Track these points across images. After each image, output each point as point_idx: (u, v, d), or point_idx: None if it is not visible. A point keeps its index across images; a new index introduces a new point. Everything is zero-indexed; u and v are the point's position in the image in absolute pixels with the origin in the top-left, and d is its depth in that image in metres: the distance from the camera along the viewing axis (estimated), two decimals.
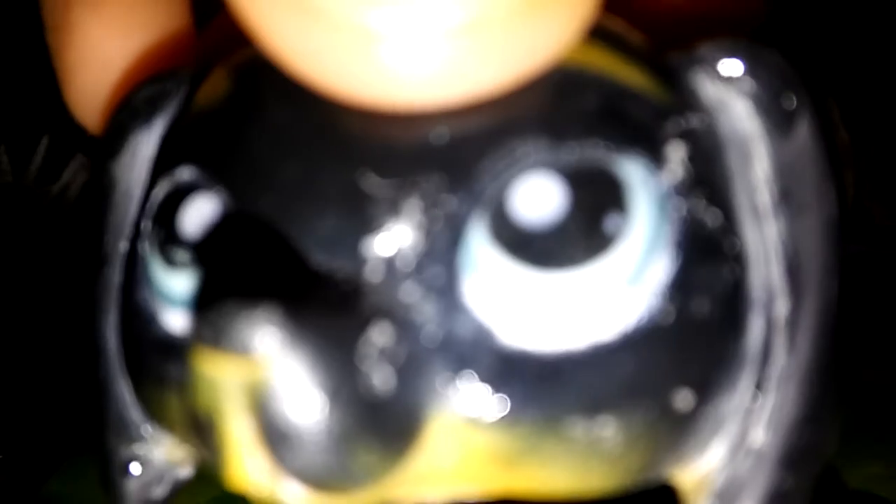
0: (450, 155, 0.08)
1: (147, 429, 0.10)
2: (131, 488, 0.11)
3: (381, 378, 0.07)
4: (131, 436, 0.10)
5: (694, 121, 0.08)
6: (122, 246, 0.10)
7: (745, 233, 0.08)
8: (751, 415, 0.09)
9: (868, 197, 0.84)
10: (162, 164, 0.10)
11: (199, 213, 0.09)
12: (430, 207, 0.08)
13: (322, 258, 0.08)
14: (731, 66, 0.09)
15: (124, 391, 0.10)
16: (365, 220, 0.08)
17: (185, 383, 0.08)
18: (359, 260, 0.08)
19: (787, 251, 0.08)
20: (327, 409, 0.07)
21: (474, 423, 0.08)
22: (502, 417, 0.08)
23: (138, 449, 0.10)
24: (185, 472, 0.11)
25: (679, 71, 0.09)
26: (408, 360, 0.07)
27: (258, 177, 0.09)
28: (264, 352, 0.07)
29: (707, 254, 0.08)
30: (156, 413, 0.10)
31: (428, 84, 0.07)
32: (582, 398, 0.08)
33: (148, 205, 0.10)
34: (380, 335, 0.07)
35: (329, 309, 0.07)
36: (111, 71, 0.13)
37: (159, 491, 0.11)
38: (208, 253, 0.08)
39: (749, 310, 0.08)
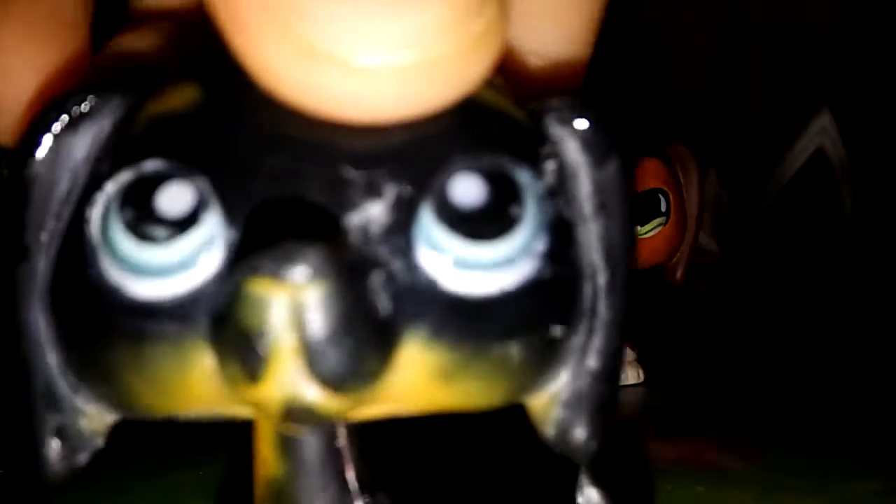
0: (407, 155, 0.11)
1: (74, 399, 0.12)
2: (58, 454, 0.12)
3: (381, 304, 0.10)
4: (60, 407, 0.12)
5: (556, 148, 0.12)
6: (44, 237, 0.12)
7: (581, 229, 0.12)
8: (586, 349, 0.12)
9: (866, 211, 0.84)
10: (117, 160, 0.11)
11: (175, 197, 0.11)
12: (392, 193, 0.11)
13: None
14: (568, 116, 0.12)
15: (51, 365, 0.12)
16: (345, 199, 0.10)
17: (174, 337, 0.10)
18: (343, 230, 0.10)
19: (603, 242, 0.12)
20: (351, 322, 0.10)
21: (427, 345, 0.11)
22: (447, 341, 0.11)
23: (64, 418, 0.12)
24: (101, 440, 0.12)
25: (539, 114, 0.12)
26: (391, 297, 0.10)
27: (243, 167, 0.11)
28: (308, 280, 0.09)
29: (566, 237, 0.12)
30: (126, 367, 0.11)
31: (388, 105, 0.10)
32: (498, 329, 0.11)
33: (97, 195, 0.11)
34: (377, 274, 0.10)
35: (349, 250, 0.10)
36: (11, 83, 0.14)
37: (83, 457, 0.12)
38: (246, 218, 0.10)
39: (584, 279, 0.12)
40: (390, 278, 0.10)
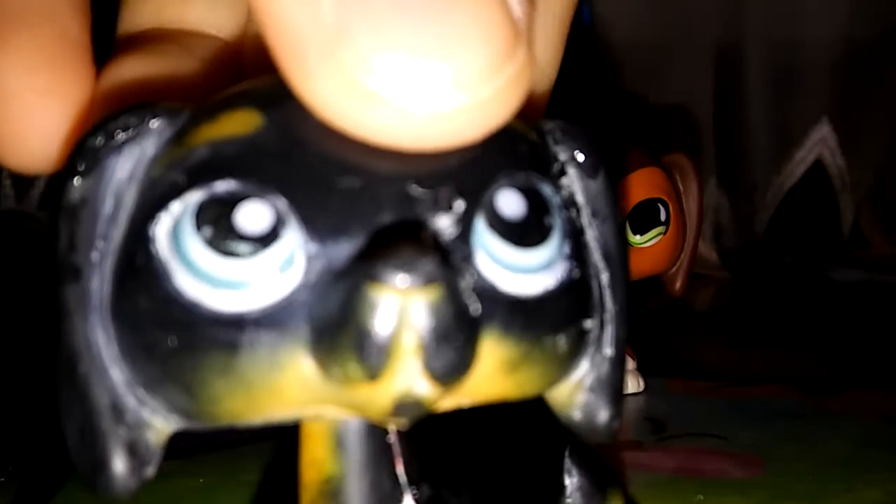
0: (461, 174, 0.12)
1: (142, 411, 0.12)
2: (128, 469, 0.12)
3: (473, 304, 0.11)
4: (125, 420, 0.12)
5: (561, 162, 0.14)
6: (94, 256, 0.12)
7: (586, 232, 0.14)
8: (601, 339, 0.14)
9: (867, 225, 0.84)
10: (180, 181, 0.12)
11: (254, 215, 0.11)
12: (455, 207, 0.12)
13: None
14: (560, 136, 0.14)
15: (116, 381, 0.12)
16: (417, 214, 0.11)
17: (262, 347, 0.11)
18: (440, 240, 0.11)
19: (601, 244, 0.14)
20: (458, 324, 0.11)
21: (499, 340, 0.12)
22: (513, 338, 0.12)
23: (133, 433, 0.12)
24: (162, 452, 0.12)
25: (543, 136, 0.14)
26: (473, 290, 0.11)
27: (316, 186, 0.11)
28: (424, 285, 0.10)
29: (580, 242, 0.13)
30: (217, 375, 0.11)
31: (431, 140, 0.11)
32: (548, 323, 0.12)
33: (161, 214, 0.12)
34: (466, 280, 0.11)
35: (447, 257, 0.11)
36: (20, 106, 0.14)
37: (150, 470, 0.12)
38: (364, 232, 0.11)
39: (593, 277, 0.14)
40: (469, 283, 0.11)
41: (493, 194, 0.12)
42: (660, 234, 0.38)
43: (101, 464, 0.12)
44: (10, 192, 0.84)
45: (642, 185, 0.37)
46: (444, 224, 0.11)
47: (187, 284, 0.11)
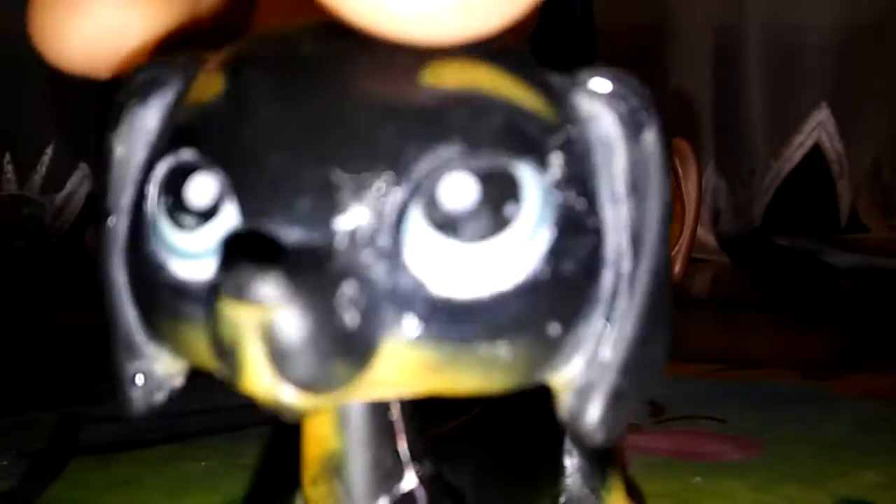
0: (396, 156, 0.11)
1: (149, 347, 0.13)
2: (137, 394, 0.13)
3: (350, 317, 0.10)
4: (136, 353, 0.13)
5: (572, 132, 0.12)
6: (124, 201, 0.13)
7: (605, 212, 0.12)
8: (601, 338, 0.12)
9: (865, 209, 0.84)
10: (165, 143, 0.12)
11: (201, 188, 0.11)
12: (381, 196, 0.11)
13: (301, 233, 0.11)
14: (603, 87, 0.12)
15: (130, 318, 0.13)
16: (334, 203, 0.11)
17: (199, 319, 0.11)
18: (330, 234, 0.11)
19: (633, 225, 0.12)
20: (314, 339, 0.10)
21: (411, 345, 0.11)
22: (430, 342, 0.11)
23: (142, 364, 0.13)
24: (179, 381, 0.13)
25: (562, 89, 0.12)
26: (367, 305, 0.11)
27: (249, 164, 0.11)
28: (271, 300, 0.10)
29: (575, 230, 0.11)
30: (168, 338, 0.12)
31: (424, 23, 0.11)
32: (485, 329, 0.11)
33: (152, 174, 0.12)
34: (348, 288, 0.10)
35: (313, 270, 0.10)
36: (117, 39, 0.14)
37: (160, 396, 0.13)
38: (223, 231, 0.11)
39: (602, 266, 0.12)
40: (367, 285, 0.11)
41: (437, 180, 0.11)
42: None
43: (119, 386, 0.13)
44: (11, 176, 0.84)
45: None
46: (363, 216, 0.11)
47: (157, 248, 0.12)
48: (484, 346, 0.11)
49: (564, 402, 0.12)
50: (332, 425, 0.14)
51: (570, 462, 0.20)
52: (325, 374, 0.10)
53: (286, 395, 0.11)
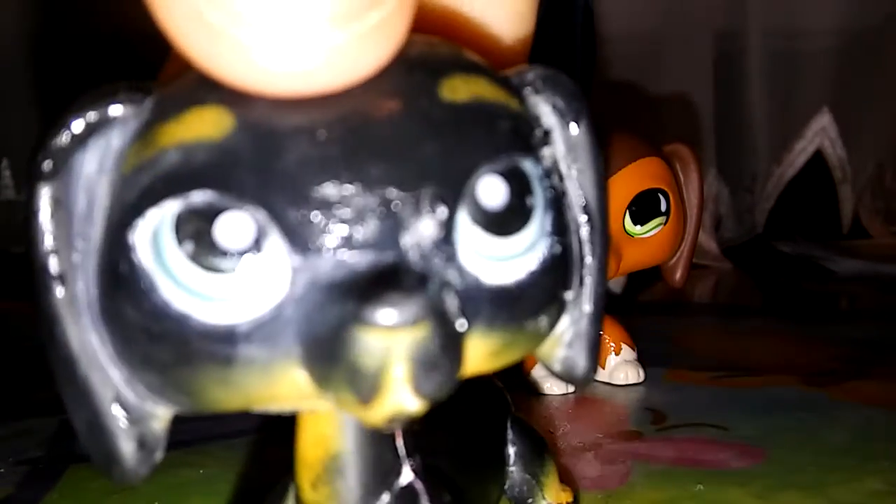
0: (441, 169, 0.12)
1: (145, 405, 0.12)
2: (135, 461, 0.13)
3: (459, 324, 0.11)
4: (131, 416, 0.12)
5: (543, 126, 0.13)
6: (76, 258, 0.12)
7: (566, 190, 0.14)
8: (580, 296, 0.14)
9: (867, 215, 0.83)
10: (152, 188, 0.11)
11: (236, 229, 0.11)
12: (436, 207, 0.11)
13: (373, 256, 0.11)
14: (540, 85, 0.13)
15: (116, 381, 0.12)
16: (398, 222, 0.11)
17: (260, 360, 0.11)
18: (401, 251, 0.11)
19: (581, 197, 0.14)
20: (448, 351, 0.11)
21: (484, 336, 0.12)
22: (497, 328, 0.12)
23: (135, 427, 0.12)
24: (166, 435, 0.13)
25: (518, 87, 0.13)
26: (458, 307, 0.11)
27: (296, 197, 0.11)
28: (411, 326, 0.11)
29: (564, 208, 0.13)
30: (201, 386, 0.12)
31: (284, 81, 0.11)
32: (530, 308, 0.12)
33: (137, 222, 0.11)
34: (450, 298, 0.11)
35: (426, 288, 0.11)
36: None
37: (159, 455, 0.13)
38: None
39: (573, 234, 0.13)
40: (454, 291, 0.12)
41: (475, 185, 0.12)
42: (660, 224, 0.37)
43: (112, 457, 0.12)
44: (9, 182, 0.84)
45: (643, 175, 0.37)
46: (426, 228, 0.11)
47: (174, 297, 0.11)
48: (532, 322, 0.13)
49: (558, 356, 0.14)
50: (336, 426, 0.14)
51: (513, 450, 0.22)
52: (451, 379, 0.11)
53: (413, 406, 0.11)
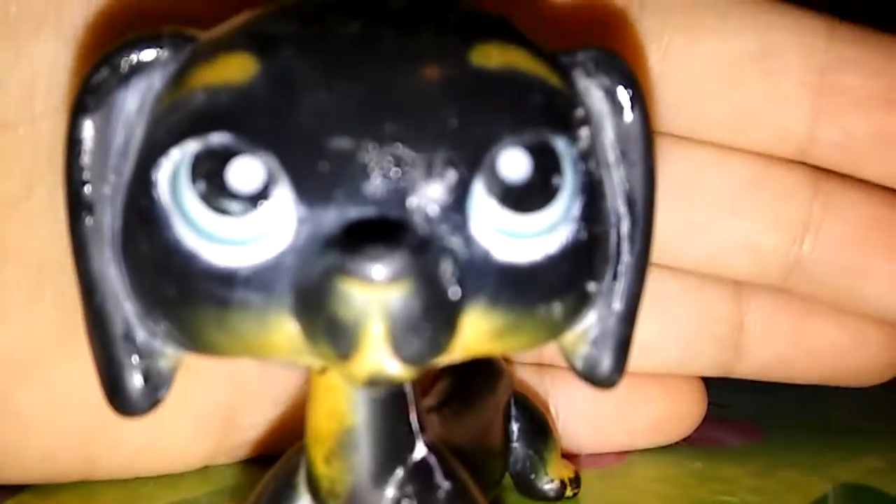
0: (460, 134, 0.11)
1: (153, 343, 0.13)
2: (139, 394, 0.13)
3: (452, 291, 0.11)
4: (140, 351, 0.13)
5: (586, 108, 0.13)
6: (106, 190, 0.12)
7: (606, 179, 0.13)
8: (612, 292, 0.14)
9: None
10: (178, 126, 0.12)
11: (247, 173, 0.11)
12: (449, 173, 0.11)
13: (377, 213, 0.11)
14: (593, 67, 0.13)
15: (129, 314, 0.13)
16: (407, 182, 0.11)
17: (256, 305, 0.11)
18: (406, 213, 0.11)
19: (626, 190, 0.13)
20: (432, 314, 0.11)
21: (486, 313, 0.12)
22: (501, 308, 0.12)
23: (144, 362, 0.13)
24: (176, 373, 0.13)
25: (567, 67, 0.13)
26: (457, 275, 0.11)
27: (308, 147, 0.11)
28: (394, 281, 0.10)
29: (598, 195, 0.13)
30: (203, 328, 0.12)
31: None
32: (543, 292, 0.12)
33: (161, 159, 0.12)
34: (446, 262, 0.11)
35: (424, 248, 0.11)
36: None
37: (163, 393, 0.13)
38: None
39: (610, 228, 0.13)
40: (454, 259, 0.11)
41: (496, 156, 0.11)
42: None
43: (117, 387, 0.13)
44: None
45: None
46: (436, 193, 0.11)
47: (185, 235, 0.11)
48: (542, 307, 0.12)
49: (581, 353, 0.14)
50: (350, 399, 0.14)
51: (517, 427, 0.22)
52: (435, 347, 0.11)
53: (393, 369, 0.11)
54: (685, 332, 0.26)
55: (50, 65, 0.19)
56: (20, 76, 0.19)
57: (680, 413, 0.27)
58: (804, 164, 0.24)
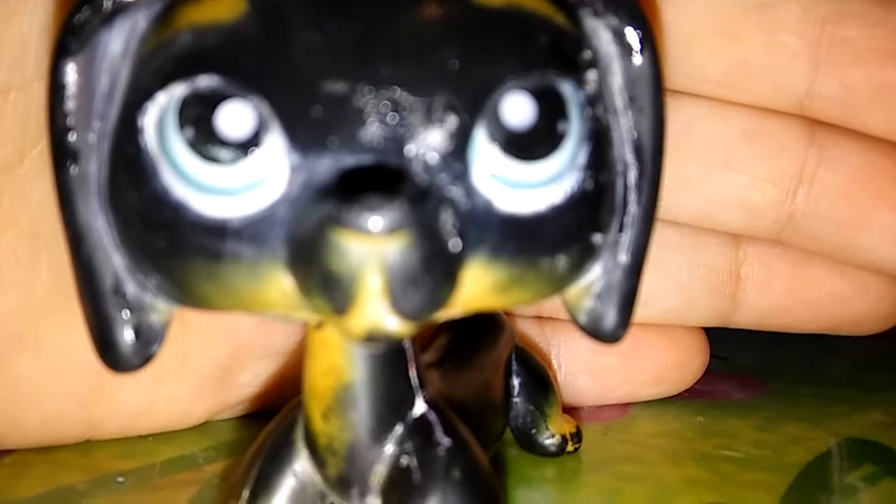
0: (460, 77, 0.11)
1: (144, 296, 0.12)
2: (130, 348, 0.13)
3: (453, 244, 0.11)
4: (130, 304, 0.12)
5: (594, 50, 0.12)
6: (91, 137, 0.12)
7: (613, 126, 0.13)
8: (617, 244, 0.13)
9: None
10: (166, 69, 0.11)
11: (236, 118, 0.11)
12: (450, 117, 0.11)
13: (374, 161, 0.10)
14: (601, 8, 0.12)
15: (118, 267, 0.12)
16: (405, 128, 0.11)
17: (247, 257, 0.11)
18: (404, 160, 0.11)
19: (634, 138, 0.13)
20: (431, 267, 0.10)
21: (488, 265, 0.11)
22: (505, 260, 0.11)
23: (135, 316, 0.12)
24: (169, 328, 0.13)
25: (574, 6, 0.12)
26: (457, 226, 0.11)
27: (301, 90, 0.10)
28: (391, 232, 0.10)
29: (605, 142, 0.12)
30: (194, 280, 0.11)
31: None
32: (548, 244, 0.12)
33: (148, 104, 0.11)
34: (447, 213, 0.11)
35: (423, 198, 0.10)
36: None
37: (155, 348, 0.13)
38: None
39: (616, 177, 0.13)
40: (455, 210, 0.11)
41: (499, 100, 0.11)
42: None
43: (108, 342, 0.13)
44: None
45: None
46: (436, 139, 0.11)
47: (173, 184, 0.11)
48: (547, 260, 0.12)
49: (585, 306, 0.13)
50: (349, 355, 0.14)
51: (517, 381, 0.22)
52: (435, 301, 0.11)
53: (391, 324, 0.11)
54: (682, 281, 0.26)
55: (40, 29, 0.19)
56: (10, 40, 0.19)
57: (682, 363, 0.27)
58: (800, 116, 0.24)
